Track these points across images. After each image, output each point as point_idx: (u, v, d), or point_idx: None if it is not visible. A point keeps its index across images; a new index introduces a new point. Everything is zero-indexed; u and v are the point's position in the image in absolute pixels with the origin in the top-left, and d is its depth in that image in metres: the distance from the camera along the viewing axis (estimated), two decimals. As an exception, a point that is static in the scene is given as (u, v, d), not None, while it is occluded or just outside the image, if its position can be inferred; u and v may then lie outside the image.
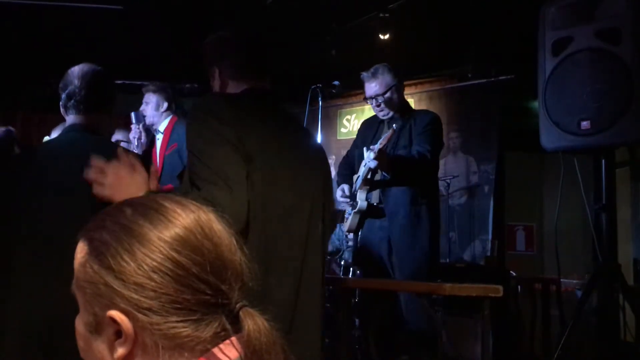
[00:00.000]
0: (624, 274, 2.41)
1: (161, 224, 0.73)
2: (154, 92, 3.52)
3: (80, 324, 0.75)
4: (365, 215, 3.10)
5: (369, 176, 3.03)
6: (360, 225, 3.12)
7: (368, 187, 3.06)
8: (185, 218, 0.74)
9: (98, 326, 0.72)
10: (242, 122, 1.50)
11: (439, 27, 4.80)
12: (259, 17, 4.47)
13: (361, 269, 3.31)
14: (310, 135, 1.89)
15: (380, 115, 3.19)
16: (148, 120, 3.51)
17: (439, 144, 3.09)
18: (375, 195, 3.10)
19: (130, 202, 0.77)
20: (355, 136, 6.38)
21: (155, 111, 3.50)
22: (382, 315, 3.29)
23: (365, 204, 3.05)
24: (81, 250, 0.75)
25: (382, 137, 2.97)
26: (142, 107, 3.55)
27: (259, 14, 4.45)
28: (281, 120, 1.68)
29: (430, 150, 2.95)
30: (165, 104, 3.51)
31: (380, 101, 3.11)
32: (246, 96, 1.65)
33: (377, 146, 2.85)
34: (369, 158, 2.87)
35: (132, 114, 3.51)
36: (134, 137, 3.49)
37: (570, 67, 2.42)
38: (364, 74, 3.17)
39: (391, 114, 3.14)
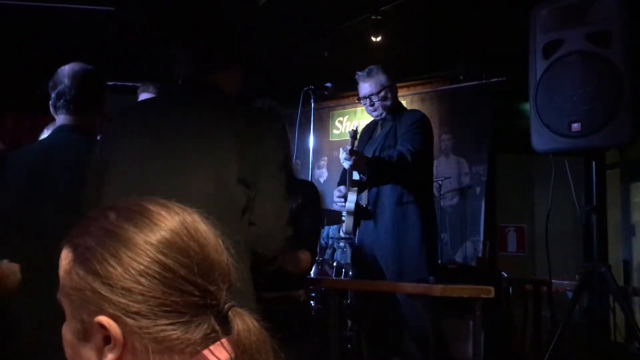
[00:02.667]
0: (614, 275, 2.41)
1: (147, 227, 0.72)
2: (154, 93, 3.47)
3: (67, 332, 0.74)
4: (357, 216, 3.08)
5: (354, 177, 3.02)
6: (355, 225, 3.08)
7: (356, 188, 3.04)
8: (170, 220, 0.74)
9: (86, 333, 0.71)
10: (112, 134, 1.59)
11: (431, 29, 4.82)
12: (251, 19, 4.47)
13: (357, 270, 3.30)
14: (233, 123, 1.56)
15: (373, 115, 3.21)
16: None
17: (424, 143, 3.03)
18: (364, 197, 3.10)
19: (114, 207, 0.76)
20: (348, 138, 6.37)
21: None
22: (375, 317, 3.28)
23: (352, 205, 3.02)
24: (66, 257, 0.74)
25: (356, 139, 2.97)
26: None
27: (251, 16, 4.44)
28: (189, 114, 1.57)
29: (411, 149, 2.91)
30: None
31: (374, 101, 3.12)
32: (162, 94, 1.67)
33: (347, 147, 2.84)
34: (342, 159, 2.85)
35: None
36: None
37: (560, 69, 2.43)
38: (359, 74, 3.18)
39: (384, 114, 3.15)
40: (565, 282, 4.12)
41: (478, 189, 5.22)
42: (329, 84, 3.76)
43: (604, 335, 2.51)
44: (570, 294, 3.90)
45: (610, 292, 2.44)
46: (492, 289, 2.26)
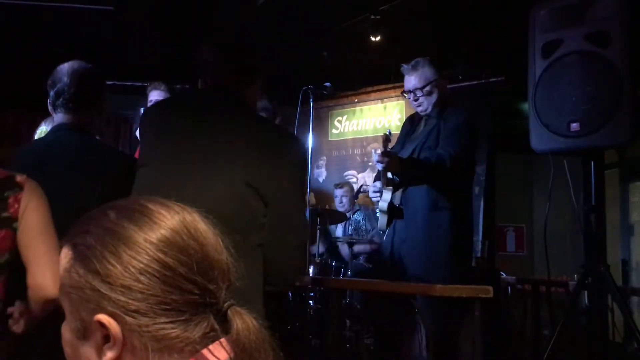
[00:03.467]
0: (613, 275, 2.42)
1: (146, 225, 0.72)
2: (165, 91, 3.45)
3: (66, 331, 0.74)
4: (391, 215, 2.98)
5: (388, 176, 2.93)
6: (388, 224, 3.00)
7: (391, 187, 2.95)
8: (170, 219, 0.74)
9: (85, 331, 0.71)
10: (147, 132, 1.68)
11: (430, 29, 4.81)
12: (250, 19, 4.47)
13: (374, 268, 3.23)
14: (254, 132, 1.61)
15: (418, 110, 3.06)
16: None
17: (467, 147, 2.88)
18: (398, 196, 2.99)
19: (114, 206, 0.76)
20: (347, 137, 6.34)
21: None
22: (377, 317, 3.28)
23: (385, 204, 2.95)
24: (65, 255, 0.74)
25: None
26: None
27: (250, 15, 4.44)
28: (210, 118, 1.61)
29: (452, 154, 2.77)
30: None
31: (418, 95, 2.98)
32: (186, 96, 1.77)
33: (380, 149, 2.76)
34: (375, 161, 2.77)
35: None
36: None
37: (560, 69, 2.43)
38: (404, 67, 3.05)
39: (429, 109, 3.00)
40: (564, 282, 4.13)
41: (477, 189, 5.22)
42: (328, 84, 3.75)
43: (603, 335, 2.51)
44: (569, 294, 3.90)
45: (609, 292, 2.44)
46: (491, 288, 2.26)
